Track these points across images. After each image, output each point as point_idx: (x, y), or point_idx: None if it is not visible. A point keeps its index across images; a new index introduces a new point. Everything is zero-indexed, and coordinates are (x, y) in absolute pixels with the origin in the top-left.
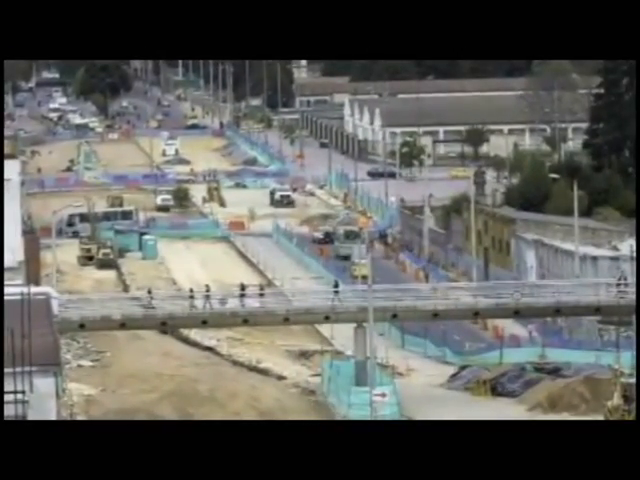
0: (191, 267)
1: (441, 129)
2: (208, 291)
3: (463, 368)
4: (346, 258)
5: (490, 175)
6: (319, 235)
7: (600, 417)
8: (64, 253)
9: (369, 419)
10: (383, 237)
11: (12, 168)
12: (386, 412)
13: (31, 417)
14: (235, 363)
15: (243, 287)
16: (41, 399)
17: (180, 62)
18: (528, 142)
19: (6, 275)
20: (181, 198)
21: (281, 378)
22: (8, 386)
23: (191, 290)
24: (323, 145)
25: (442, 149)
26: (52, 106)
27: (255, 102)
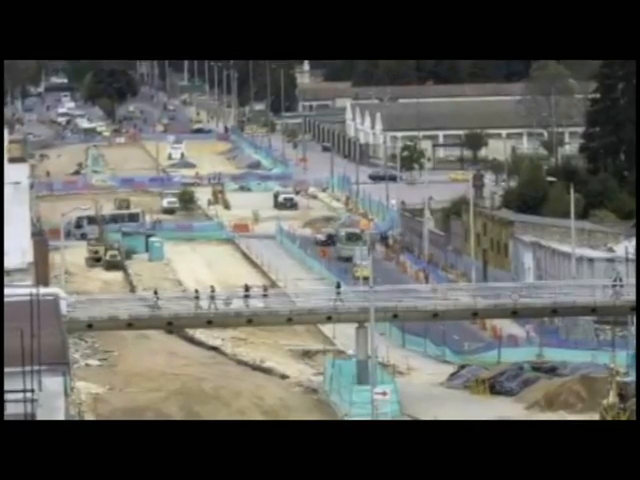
0: (196, 268)
1: (441, 133)
2: (213, 292)
3: (462, 367)
4: (348, 259)
5: (489, 178)
6: (321, 237)
7: (596, 415)
8: (72, 255)
9: (370, 418)
10: (384, 239)
11: (21, 171)
12: (387, 410)
13: (40, 415)
14: (239, 362)
15: (247, 288)
16: (50, 397)
17: (185, 67)
18: (526, 146)
19: (16, 276)
20: (186, 201)
21: (284, 377)
22: (17, 385)
23: (196, 291)
24: (325, 149)
25: (442, 153)
26: (60, 110)
27: (259, 107)
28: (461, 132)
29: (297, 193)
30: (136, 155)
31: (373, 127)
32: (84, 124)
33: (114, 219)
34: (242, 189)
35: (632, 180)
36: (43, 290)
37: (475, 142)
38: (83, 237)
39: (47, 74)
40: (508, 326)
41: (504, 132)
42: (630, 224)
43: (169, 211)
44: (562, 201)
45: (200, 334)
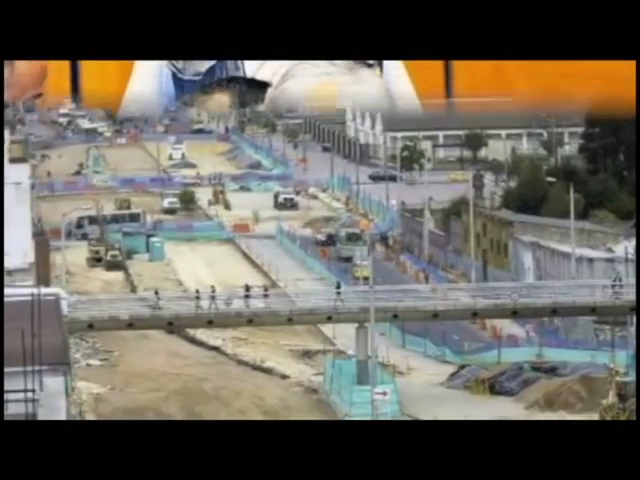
0: (197, 268)
1: (441, 134)
2: (213, 292)
3: (462, 367)
4: (348, 260)
5: (488, 178)
6: (322, 237)
7: (596, 415)
8: (73, 255)
9: (370, 418)
10: (384, 239)
11: (22, 172)
12: (387, 410)
13: (41, 415)
14: (240, 362)
15: (248, 288)
16: (51, 397)
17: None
18: (525, 146)
19: (17, 276)
20: (187, 201)
21: (285, 377)
22: (18, 385)
23: (197, 291)
24: (325, 149)
25: (442, 153)
26: (62, 111)
27: (259, 107)
28: (461, 132)
29: (297, 193)
30: (137, 155)
31: (373, 127)
32: (85, 124)
33: (115, 219)
34: (242, 189)
35: (632, 180)
36: (44, 290)
37: (475, 142)
38: (84, 237)
39: None
40: (508, 326)
41: (504, 133)
42: (630, 224)
43: (170, 211)
44: (562, 201)
45: (201, 334)
